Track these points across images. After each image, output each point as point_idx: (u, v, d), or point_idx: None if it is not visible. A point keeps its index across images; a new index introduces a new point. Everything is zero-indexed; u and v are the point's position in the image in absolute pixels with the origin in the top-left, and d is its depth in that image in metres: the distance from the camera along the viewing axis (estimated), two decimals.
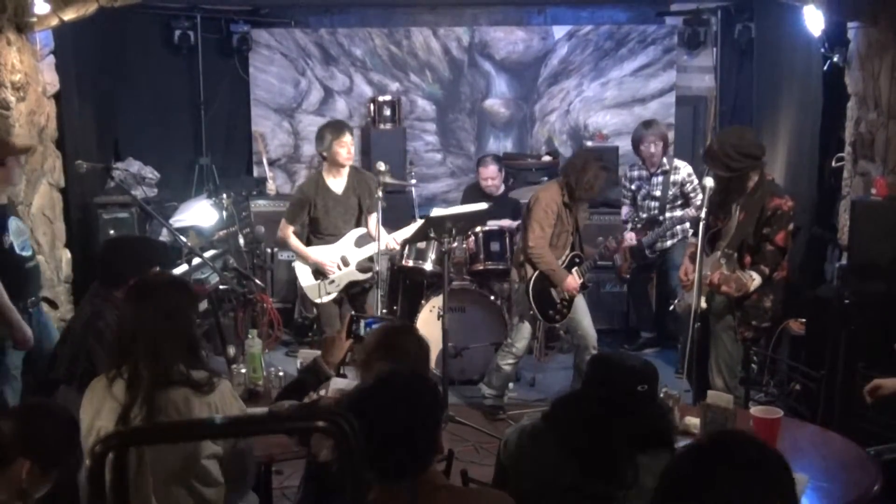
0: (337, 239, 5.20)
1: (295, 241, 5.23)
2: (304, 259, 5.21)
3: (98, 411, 2.54)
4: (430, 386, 2.11)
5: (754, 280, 3.99)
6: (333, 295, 5.21)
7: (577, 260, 5.11)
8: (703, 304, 4.19)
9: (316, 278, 5.19)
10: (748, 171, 4.07)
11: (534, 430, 2.46)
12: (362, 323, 3.06)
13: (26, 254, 4.15)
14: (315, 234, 5.26)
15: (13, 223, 4.09)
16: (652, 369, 2.56)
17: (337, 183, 5.20)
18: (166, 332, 2.54)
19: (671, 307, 4.70)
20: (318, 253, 5.18)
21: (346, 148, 5.10)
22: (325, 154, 5.15)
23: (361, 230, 5.26)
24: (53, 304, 4.60)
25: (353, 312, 4.80)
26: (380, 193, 4.94)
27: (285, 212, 5.31)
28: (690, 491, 1.57)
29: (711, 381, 4.22)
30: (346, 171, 5.20)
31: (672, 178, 6.01)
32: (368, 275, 5.31)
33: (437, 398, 2.08)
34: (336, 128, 5.18)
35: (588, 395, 2.49)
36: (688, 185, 5.98)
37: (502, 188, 6.66)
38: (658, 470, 2.03)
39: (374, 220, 5.11)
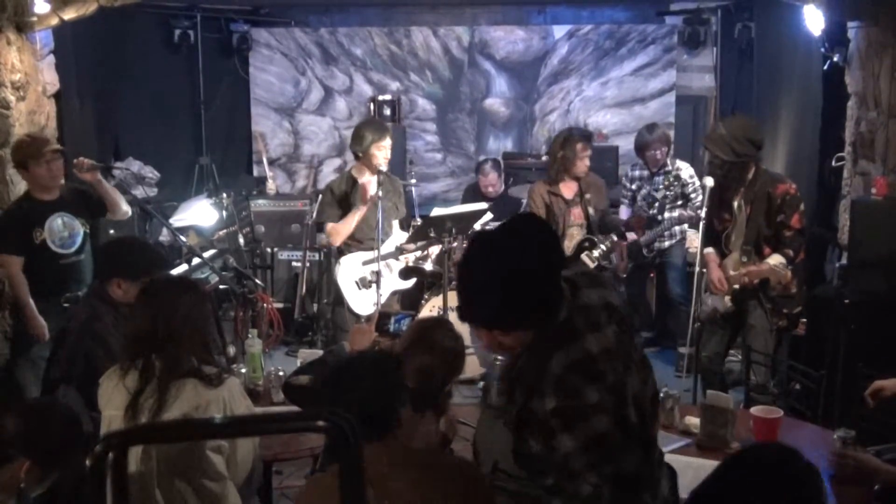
0: (367, 243, 4.87)
1: (348, 220, 4.81)
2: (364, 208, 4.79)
3: (109, 401, 2.57)
4: (391, 365, 2.27)
5: (782, 264, 4.04)
6: (378, 307, 4.83)
7: (587, 244, 5.01)
8: (729, 304, 4.20)
9: (360, 288, 4.86)
10: (750, 160, 4.10)
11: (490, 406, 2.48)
12: (391, 319, 3.11)
13: (63, 251, 4.29)
14: (347, 238, 4.90)
15: (56, 220, 4.28)
16: None
17: (370, 184, 4.88)
18: (181, 334, 2.57)
19: (695, 312, 4.60)
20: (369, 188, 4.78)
21: (385, 152, 4.79)
22: (359, 154, 4.83)
23: (396, 238, 5.01)
24: None
25: (380, 310, 4.80)
26: (380, 192, 4.81)
27: (320, 215, 4.95)
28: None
29: (740, 373, 4.26)
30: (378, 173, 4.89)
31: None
32: (411, 282, 5.19)
33: (397, 374, 2.23)
34: (378, 129, 4.85)
35: None
36: (689, 185, 5.97)
37: (501, 188, 6.67)
38: None
39: (396, 225, 5.06)
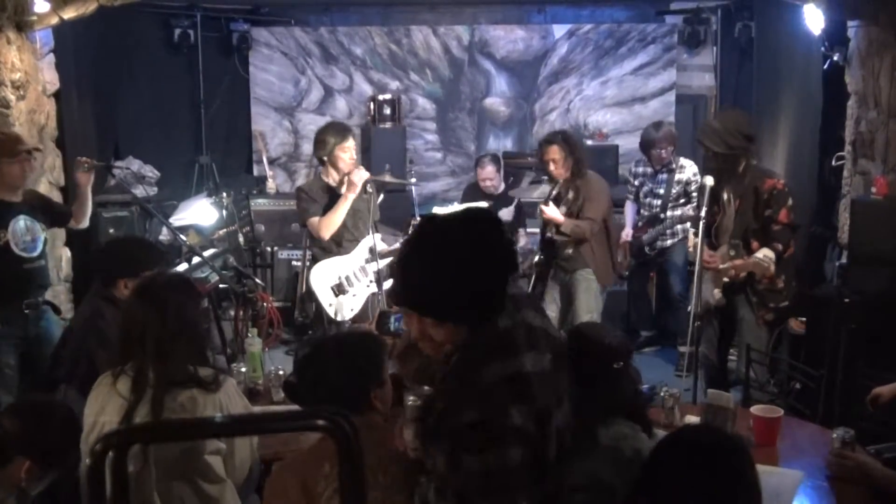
0: (346, 247, 4.81)
1: (334, 210, 4.69)
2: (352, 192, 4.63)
3: (103, 407, 2.55)
4: (366, 346, 2.30)
5: (769, 258, 4.07)
6: (357, 310, 4.81)
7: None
8: (719, 296, 4.23)
9: (336, 294, 4.78)
10: (742, 153, 4.15)
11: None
12: (392, 318, 3.11)
13: (26, 254, 4.14)
14: (324, 242, 4.80)
15: (20, 222, 4.12)
16: (627, 346, 2.57)
17: (355, 174, 4.73)
18: (174, 333, 2.54)
19: (689, 308, 4.64)
20: (357, 175, 4.63)
21: (349, 153, 4.72)
22: (325, 159, 4.76)
23: (372, 241, 4.89)
24: (57, 310, 4.51)
25: (381, 309, 4.77)
26: (369, 188, 4.76)
27: (305, 214, 4.79)
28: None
29: (741, 373, 4.30)
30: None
31: (677, 176, 5.98)
32: (389, 283, 5.18)
33: (371, 357, 2.26)
34: (339, 131, 4.77)
35: None
36: (692, 184, 5.94)
37: (502, 187, 6.66)
38: (639, 445, 2.06)
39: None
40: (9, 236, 4.06)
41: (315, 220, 4.74)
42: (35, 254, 4.20)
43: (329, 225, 4.74)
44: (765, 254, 4.09)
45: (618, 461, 2.08)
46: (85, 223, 4.59)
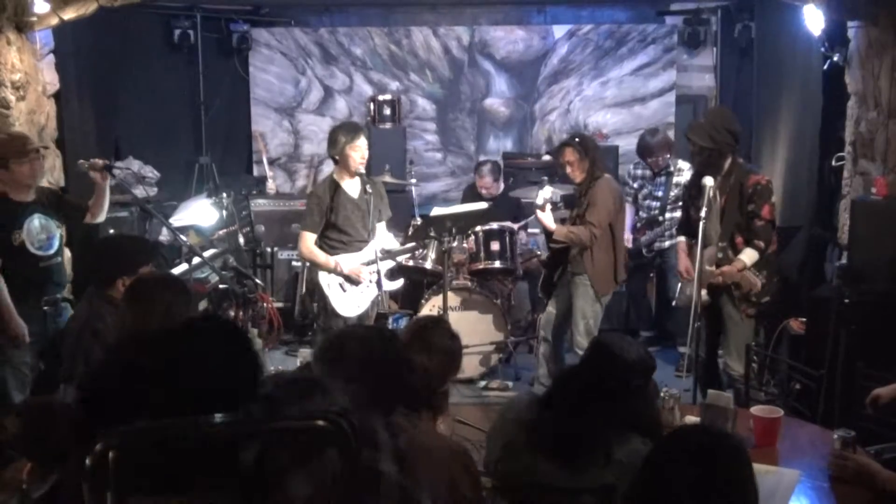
0: (355, 245, 4.85)
1: (322, 256, 4.80)
2: (333, 271, 4.79)
3: None
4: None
5: (751, 258, 4.18)
6: (365, 307, 4.86)
7: None
8: (705, 296, 4.27)
9: (345, 291, 4.82)
10: (727, 149, 4.24)
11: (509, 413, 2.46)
12: (389, 319, 3.10)
13: (42, 253, 4.18)
14: (332, 241, 4.85)
15: (35, 221, 4.16)
16: (650, 364, 2.56)
17: (352, 186, 4.84)
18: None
19: (674, 303, 4.76)
20: (347, 262, 4.80)
21: (360, 152, 4.76)
22: (336, 157, 4.81)
23: (381, 240, 4.94)
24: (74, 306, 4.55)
25: (378, 310, 4.80)
26: (369, 189, 4.82)
27: (302, 223, 4.91)
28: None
29: (729, 368, 4.35)
30: (358, 175, 4.86)
31: (675, 179, 6.00)
32: (399, 283, 5.22)
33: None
34: (350, 130, 4.82)
35: (579, 376, 2.46)
36: None
37: (501, 188, 6.66)
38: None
39: (382, 227, 5.03)
40: (24, 236, 4.10)
41: (306, 235, 4.84)
42: (51, 252, 4.24)
43: (308, 254, 4.87)
44: (751, 256, 4.16)
45: (629, 478, 2.08)
46: (101, 218, 4.60)
